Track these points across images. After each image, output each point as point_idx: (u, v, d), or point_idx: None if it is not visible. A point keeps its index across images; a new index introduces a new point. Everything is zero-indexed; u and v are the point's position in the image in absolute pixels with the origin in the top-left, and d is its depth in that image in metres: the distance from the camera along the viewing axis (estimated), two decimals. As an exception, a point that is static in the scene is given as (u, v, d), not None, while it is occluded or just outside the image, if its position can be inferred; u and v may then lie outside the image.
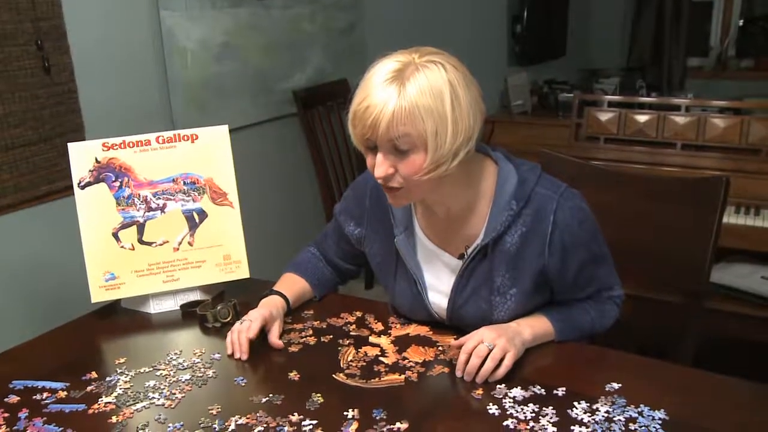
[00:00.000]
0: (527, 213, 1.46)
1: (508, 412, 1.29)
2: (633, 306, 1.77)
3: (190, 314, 1.71)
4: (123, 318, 1.75)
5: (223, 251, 1.76)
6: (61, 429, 1.30)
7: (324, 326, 1.62)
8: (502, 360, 1.38)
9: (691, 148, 3.09)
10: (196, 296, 1.76)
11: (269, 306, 1.58)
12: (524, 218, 1.46)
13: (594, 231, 1.51)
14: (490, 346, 1.39)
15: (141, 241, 1.72)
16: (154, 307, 1.74)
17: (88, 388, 1.43)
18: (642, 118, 3.17)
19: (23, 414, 1.35)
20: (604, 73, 5.11)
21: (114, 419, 1.32)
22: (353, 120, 1.35)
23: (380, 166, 1.35)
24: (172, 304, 1.75)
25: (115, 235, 1.71)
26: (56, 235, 2.41)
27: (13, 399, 1.40)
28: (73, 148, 1.70)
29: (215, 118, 2.77)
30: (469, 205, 1.49)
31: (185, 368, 1.48)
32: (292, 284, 1.70)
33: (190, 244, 1.74)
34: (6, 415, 1.35)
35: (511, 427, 1.25)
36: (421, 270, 1.56)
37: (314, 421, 1.27)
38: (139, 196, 1.71)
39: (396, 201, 1.43)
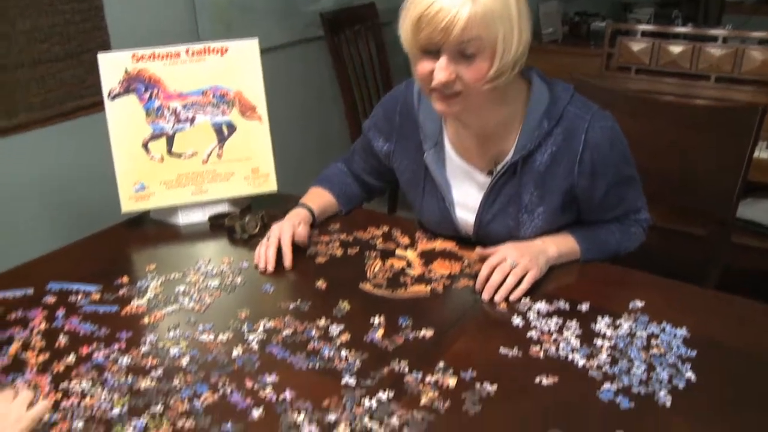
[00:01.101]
0: (558, 132, 1.45)
1: (532, 324, 1.30)
2: (659, 237, 1.77)
3: (218, 226, 1.73)
4: (152, 228, 1.78)
5: (251, 164, 1.77)
6: (96, 327, 1.34)
7: (351, 239, 1.64)
8: (522, 278, 1.40)
9: (725, 81, 3.03)
10: (224, 208, 1.78)
11: (295, 218, 1.60)
12: (555, 137, 1.45)
13: (624, 152, 1.50)
14: (513, 264, 1.39)
15: (170, 153, 1.73)
16: (183, 219, 1.77)
17: (120, 292, 1.46)
18: (676, 48, 3.11)
19: (60, 313, 1.39)
20: (637, 5, 4.98)
21: (146, 320, 1.35)
22: (418, 24, 1.32)
23: (443, 70, 1.33)
24: (200, 216, 1.77)
25: (145, 147, 1.72)
26: (85, 150, 2.43)
27: (50, 299, 1.44)
28: (103, 58, 1.70)
29: (242, 35, 2.74)
30: (502, 122, 1.48)
31: (214, 275, 1.51)
32: (319, 198, 1.72)
33: (218, 156, 1.75)
34: (45, 313, 1.39)
35: (535, 338, 1.26)
36: (450, 186, 1.57)
37: (341, 326, 1.30)
38: (169, 107, 1.72)
39: (450, 109, 1.40)
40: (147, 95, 1.70)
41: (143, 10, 2.58)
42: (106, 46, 2.49)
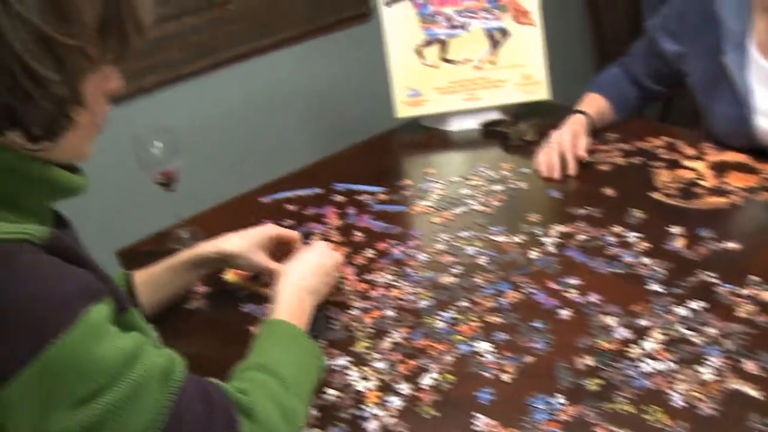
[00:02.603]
0: None
1: None
2: None
3: (490, 132, 1.72)
4: (423, 134, 1.80)
5: (523, 71, 1.73)
6: (388, 225, 1.39)
7: (632, 148, 1.57)
8: None
9: None
10: (494, 115, 1.76)
11: (575, 125, 1.55)
12: None
13: None
14: None
15: (444, 59, 1.73)
16: (455, 125, 1.77)
17: (405, 193, 1.50)
18: None
19: (351, 211, 1.46)
20: None
21: (436, 220, 1.38)
22: None
23: None
24: (471, 123, 1.76)
25: (419, 52, 1.73)
26: (344, 61, 2.52)
27: (339, 198, 1.52)
28: (380, -35, 1.71)
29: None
30: None
31: (496, 180, 1.51)
32: (596, 104, 1.65)
33: (491, 63, 1.73)
34: (337, 210, 1.47)
35: None
36: (752, 91, 1.44)
37: (638, 234, 1.25)
38: (442, 13, 1.71)
39: None
40: (421, 1, 1.70)
41: None
42: (363, -41, 2.52)
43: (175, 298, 1.21)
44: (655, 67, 1.63)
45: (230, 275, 1.29)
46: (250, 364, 0.92)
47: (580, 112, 1.60)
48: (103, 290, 0.73)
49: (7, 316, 0.64)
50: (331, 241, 1.35)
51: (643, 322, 1.05)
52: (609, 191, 1.40)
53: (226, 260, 1.19)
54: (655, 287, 1.12)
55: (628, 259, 1.19)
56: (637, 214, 1.31)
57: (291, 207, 1.51)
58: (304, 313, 1.04)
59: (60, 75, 0.69)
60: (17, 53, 0.65)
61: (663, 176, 1.44)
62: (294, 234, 1.23)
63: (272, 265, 1.19)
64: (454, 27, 1.72)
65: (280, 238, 1.22)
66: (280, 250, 1.23)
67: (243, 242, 1.18)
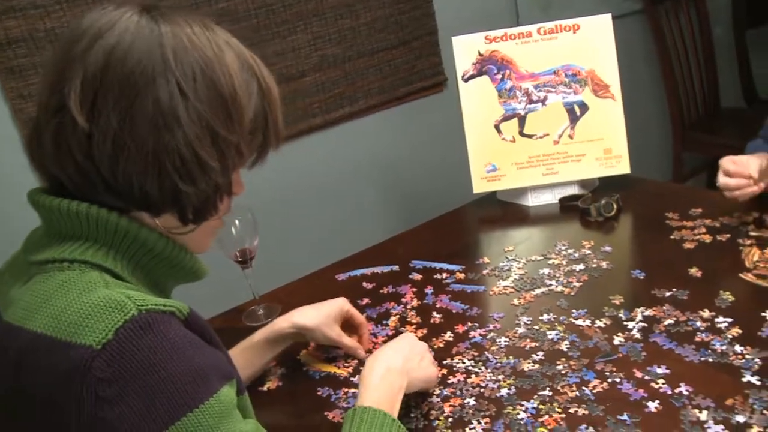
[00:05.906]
0: None
1: None
2: None
3: (567, 208, 1.69)
4: (500, 209, 1.79)
5: (603, 145, 1.70)
6: (467, 306, 1.37)
7: (717, 225, 1.51)
8: None
9: None
10: (572, 190, 1.73)
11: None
12: None
13: None
14: None
15: (522, 134, 1.73)
16: (533, 200, 1.75)
17: (484, 272, 1.48)
18: None
19: (429, 290, 1.44)
20: None
21: (516, 302, 1.35)
22: None
23: None
24: (549, 198, 1.74)
25: (497, 127, 1.73)
26: (413, 132, 2.54)
27: (416, 276, 1.50)
28: (457, 41, 1.73)
29: (559, 17, 2.68)
30: None
31: (577, 259, 1.47)
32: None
33: (570, 137, 1.71)
34: (414, 289, 1.45)
35: None
36: None
37: (728, 319, 1.19)
38: (521, 88, 1.71)
39: None
40: (499, 76, 1.71)
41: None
42: (434, 32, 2.57)
43: (252, 379, 1.21)
44: None
45: (306, 355, 1.29)
46: None
47: None
48: (233, 372, 0.80)
49: (153, 381, 0.69)
50: (409, 323, 1.34)
51: (740, 418, 0.99)
52: (695, 271, 1.35)
53: (301, 334, 1.21)
54: (751, 379, 1.06)
55: (720, 346, 1.13)
56: (727, 296, 1.26)
57: (368, 285, 1.51)
58: (395, 397, 1.01)
59: (220, 165, 0.79)
60: (190, 142, 0.75)
61: (753, 255, 1.38)
62: (362, 320, 1.26)
63: (347, 340, 1.22)
64: (532, 102, 1.71)
65: (351, 317, 1.24)
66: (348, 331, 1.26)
67: (318, 315, 1.21)
